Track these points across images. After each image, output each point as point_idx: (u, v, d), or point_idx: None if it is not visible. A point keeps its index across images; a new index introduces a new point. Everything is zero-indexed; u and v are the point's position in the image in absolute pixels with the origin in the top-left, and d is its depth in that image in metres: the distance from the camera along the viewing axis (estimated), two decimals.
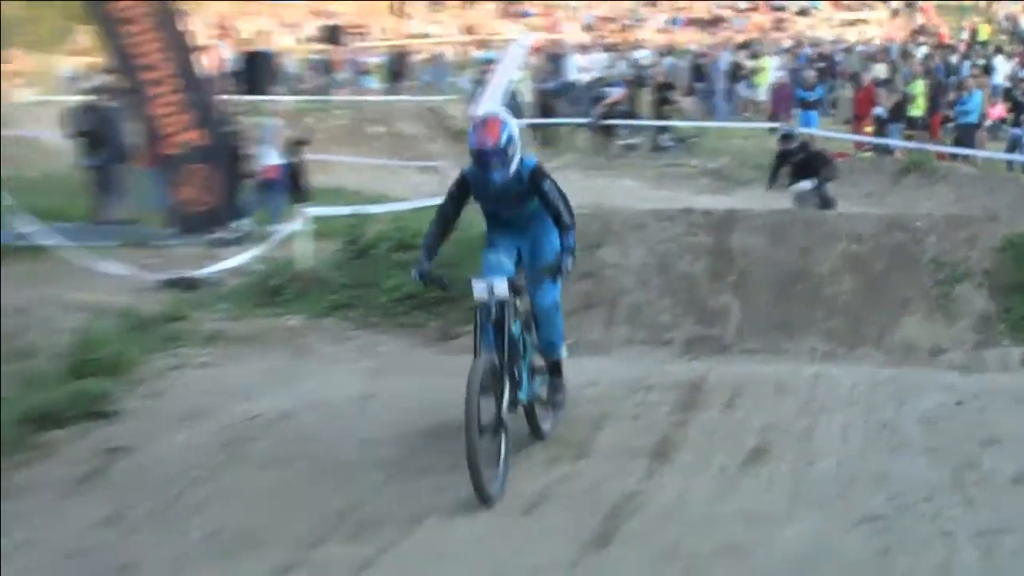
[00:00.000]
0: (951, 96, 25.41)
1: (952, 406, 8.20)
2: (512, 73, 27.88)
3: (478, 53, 38.39)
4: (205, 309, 11.93)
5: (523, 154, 7.29)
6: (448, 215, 7.38)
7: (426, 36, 44.10)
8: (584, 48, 36.61)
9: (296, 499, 6.96)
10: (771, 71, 30.87)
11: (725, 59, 32.56)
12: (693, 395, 8.56)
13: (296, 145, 18.60)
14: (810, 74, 28.22)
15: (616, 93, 27.59)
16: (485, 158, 7.08)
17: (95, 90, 18.50)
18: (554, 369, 7.79)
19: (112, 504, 7.08)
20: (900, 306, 11.00)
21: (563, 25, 44.74)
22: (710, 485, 6.94)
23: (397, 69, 36.32)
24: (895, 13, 45.09)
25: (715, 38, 40.84)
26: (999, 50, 32.83)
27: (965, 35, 38.90)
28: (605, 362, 9.99)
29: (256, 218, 16.41)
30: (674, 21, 45.86)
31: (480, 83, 28.66)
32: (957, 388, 8.64)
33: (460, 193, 7.38)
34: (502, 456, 6.89)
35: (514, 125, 7.19)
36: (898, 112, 25.08)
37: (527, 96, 28.79)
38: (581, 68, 32.24)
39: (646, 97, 28.65)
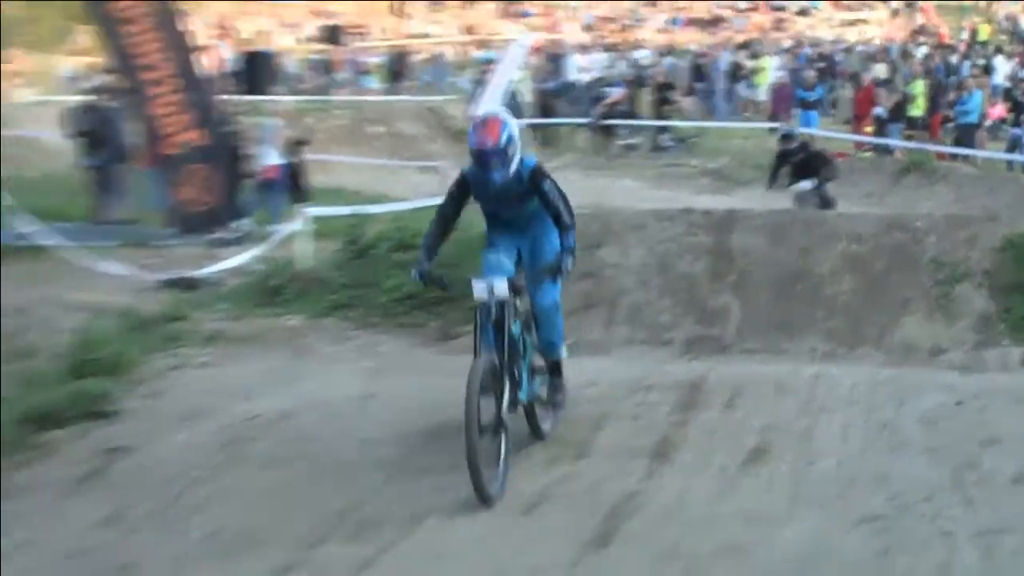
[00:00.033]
0: (951, 96, 25.44)
1: (952, 406, 8.21)
2: (512, 73, 27.91)
3: (478, 53, 38.43)
4: (205, 309, 11.95)
5: (523, 154, 7.27)
6: (448, 215, 7.38)
7: (426, 36, 44.14)
8: (584, 48, 36.64)
9: (296, 499, 6.97)
10: (771, 71, 30.89)
11: (725, 59, 32.59)
12: (693, 395, 8.57)
13: (296, 145, 18.62)
14: (810, 74, 28.24)
15: (616, 93, 27.62)
16: (485, 158, 7.07)
17: (95, 90, 18.53)
18: (554, 369, 7.78)
19: (112, 504, 7.09)
20: (900, 306, 11.02)
21: (563, 25, 44.78)
22: (710, 485, 6.95)
23: (397, 69, 36.36)
24: (895, 13, 45.14)
25: (715, 38, 40.87)
26: (999, 50, 32.87)
27: (965, 35, 38.94)
28: (605, 362, 10.00)
29: (256, 218, 16.44)
30: (674, 21, 45.90)
31: (480, 83, 28.70)
32: (957, 388, 8.65)
33: (460, 193, 7.37)
34: (502, 456, 6.88)
35: (514, 125, 7.18)
36: (898, 112, 25.10)
37: (527, 96, 28.83)
38: (581, 68, 32.27)
39: (646, 97, 28.69)
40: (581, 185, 20.21)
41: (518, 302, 7.28)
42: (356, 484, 7.13)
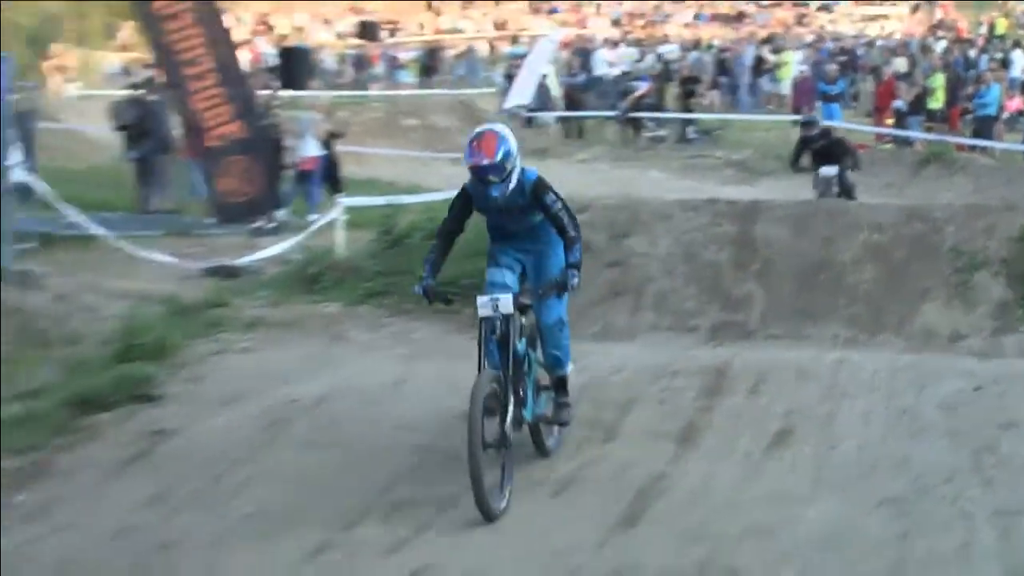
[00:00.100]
0: (969, 89, 25.40)
1: (971, 391, 8.30)
2: (542, 68, 28.03)
3: (509, 48, 38.46)
4: (245, 296, 12.08)
5: (524, 166, 7.05)
6: (451, 229, 7.20)
7: (458, 32, 44.22)
8: (612, 43, 36.62)
9: (332, 481, 7.10)
10: (794, 65, 30.80)
11: (749, 54, 32.56)
12: (718, 380, 8.68)
13: (332, 137, 18.74)
14: (832, 68, 28.25)
15: (643, 87, 27.67)
16: (482, 174, 6.85)
17: (139, 85, 18.73)
18: (559, 386, 7.51)
19: (155, 485, 7.23)
20: (920, 294, 11.08)
21: (591, 21, 44.77)
22: (735, 468, 7.06)
23: (430, 64, 36.59)
24: (915, 8, 44.96)
25: (739, 33, 40.76)
26: (1016, 44, 32.64)
27: (983, 29, 38.82)
28: (632, 348, 10.13)
29: (294, 208, 16.59)
30: (699, 17, 45.81)
31: (511, 77, 28.80)
32: (976, 373, 8.73)
33: (462, 207, 7.16)
34: (506, 471, 6.71)
35: (512, 139, 6.92)
36: (918, 105, 25.08)
37: (556, 90, 28.93)
38: (609, 63, 32.26)
39: (672, 91, 28.80)
40: (609, 176, 20.48)
41: (523, 319, 7.13)
42: (390, 467, 7.25)
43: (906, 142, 24.25)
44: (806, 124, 17.52)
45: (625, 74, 30.00)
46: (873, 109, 27.11)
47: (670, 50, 35.08)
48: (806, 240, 11.68)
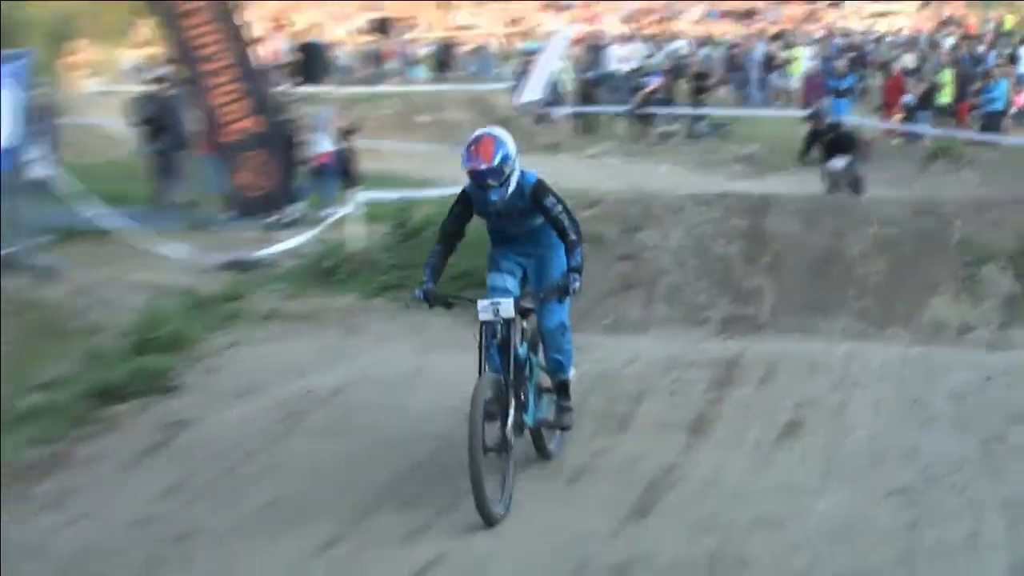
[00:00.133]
0: (977, 85, 25.34)
1: (980, 382, 8.33)
2: (554, 63, 28.03)
3: (522, 44, 38.37)
4: (261, 289, 12.12)
5: (524, 169, 6.94)
6: (451, 233, 7.07)
7: (472, 28, 44.26)
8: (624, 39, 36.64)
9: (348, 471, 7.16)
10: (803, 61, 30.87)
11: (759, 50, 32.65)
12: (729, 372, 8.71)
13: (348, 132, 18.76)
14: (841, 64, 28.29)
15: (654, 82, 27.70)
16: (480, 179, 6.73)
17: (157, 80, 18.69)
18: (561, 389, 7.41)
19: (172, 475, 7.31)
20: (929, 287, 11.16)
21: (603, 17, 44.75)
22: (745, 459, 7.10)
23: (444, 60, 36.61)
24: (923, 5, 44.93)
25: (749, 29, 40.77)
26: None
27: (991, 26, 38.75)
28: (644, 340, 10.18)
29: (310, 202, 16.62)
30: (710, 13, 45.80)
31: (524, 73, 28.82)
32: (984, 365, 8.77)
33: (462, 210, 7.04)
34: (507, 475, 6.64)
35: (510, 142, 6.81)
36: (926, 100, 25.07)
37: (569, 85, 28.98)
38: (621, 58, 32.22)
39: (683, 86, 28.78)
40: (620, 171, 20.49)
41: (524, 324, 7.06)
42: (405, 457, 7.29)
43: (915, 137, 24.24)
44: (814, 117, 17.57)
45: (637, 70, 30.02)
46: (882, 104, 27.04)
47: (681, 46, 35.10)
48: (816, 234, 11.75)
